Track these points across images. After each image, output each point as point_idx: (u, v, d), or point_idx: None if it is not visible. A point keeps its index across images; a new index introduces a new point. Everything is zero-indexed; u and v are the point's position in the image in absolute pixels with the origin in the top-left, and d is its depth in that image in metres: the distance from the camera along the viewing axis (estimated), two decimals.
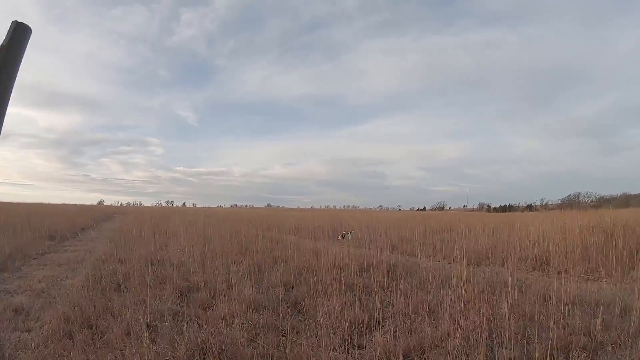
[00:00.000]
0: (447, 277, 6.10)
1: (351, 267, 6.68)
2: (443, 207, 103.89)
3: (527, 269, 7.57)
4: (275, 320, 4.22)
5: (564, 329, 3.75)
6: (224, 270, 6.33)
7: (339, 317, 4.18)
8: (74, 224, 17.17)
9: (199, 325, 3.96)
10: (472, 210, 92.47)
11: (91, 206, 55.54)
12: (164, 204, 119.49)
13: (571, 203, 64.39)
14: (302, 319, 4.37)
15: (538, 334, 3.63)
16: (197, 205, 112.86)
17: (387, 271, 6.46)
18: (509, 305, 4.16)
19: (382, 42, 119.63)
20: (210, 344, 3.27)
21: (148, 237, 10.81)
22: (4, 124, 1.09)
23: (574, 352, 3.35)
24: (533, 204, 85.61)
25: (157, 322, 4.05)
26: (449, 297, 4.66)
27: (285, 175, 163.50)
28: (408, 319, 4.18)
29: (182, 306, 4.72)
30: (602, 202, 56.99)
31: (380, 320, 4.08)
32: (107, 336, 3.67)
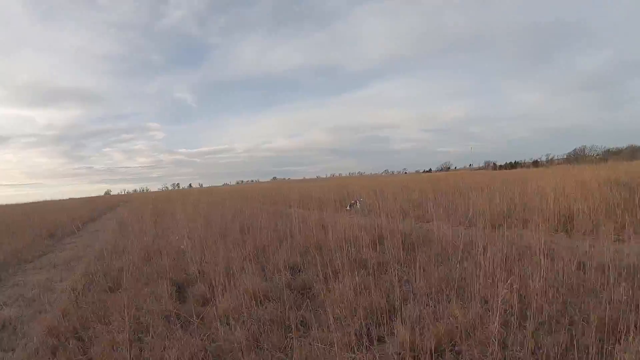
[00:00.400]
0: (468, 244, 5.60)
1: (362, 239, 6.18)
2: (449, 168, 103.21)
3: (549, 231, 7.03)
4: (282, 312, 3.75)
5: (609, 304, 3.21)
6: (225, 256, 5.87)
7: (353, 304, 3.68)
8: (76, 219, 16.95)
9: (194, 329, 3.49)
10: (478, 169, 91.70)
11: (97, 197, 55.54)
12: (170, 188, 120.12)
13: (577, 157, 63.30)
14: (312, 309, 3.89)
15: (581, 312, 3.13)
16: (203, 186, 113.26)
17: (402, 242, 5.97)
18: (543, 278, 3.65)
19: (376, 5, 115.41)
20: (207, 352, 2.79)
21: (148, 225, 10.39)
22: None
23: (628, 333, 2.81)
24: (539, 160, 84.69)
25: (147, 328, 3.59)
26: (476, 269, 4.15)
27: (289, 147, 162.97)
28: (431, 300, 3.69)
29: (178, 304, 4.26)
30: (608, 155, 55.97)
31: (401, 304, 3.60)
32: (92, 351, 3.22)
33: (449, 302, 3.55)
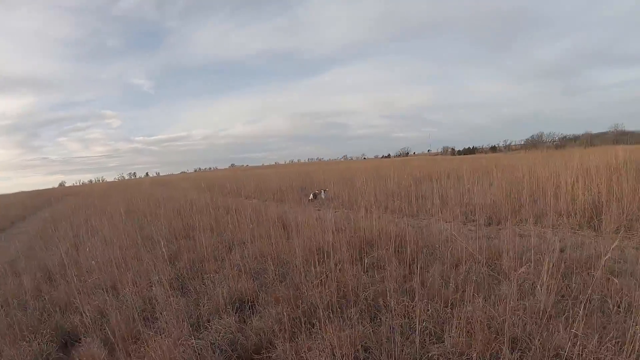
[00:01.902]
0: (492, 254, 4.00)
1: (340, 249, 4.41)
2: (407, 153, 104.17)
3: (572, 227, 5.58)
4: None
5: None
6: (137, 281, 3.92)
7: None
8: (5, 217, 14.42)
9: None
10: (437, 154, 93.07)
11: (44, 191, 50.18)
12: (126, 177, 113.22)
13: (535, 143, 65.29)
14: None
15: None
16: (160, 174, 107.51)
17: (395, 251, 4.28)
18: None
19: None
20: None
21: (66, 231, 8.09)
22: None
23: None
24: (497, 146, 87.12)
25: None
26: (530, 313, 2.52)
27: (248, 134, 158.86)
28: None
29: None
30: (565, 142, 57.89)
31: None
32: None
33: None
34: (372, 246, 4.69)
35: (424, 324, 2.61)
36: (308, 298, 3.05)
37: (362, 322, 2.66)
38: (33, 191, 51.94)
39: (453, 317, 2.58)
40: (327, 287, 3.07)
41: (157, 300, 3.46)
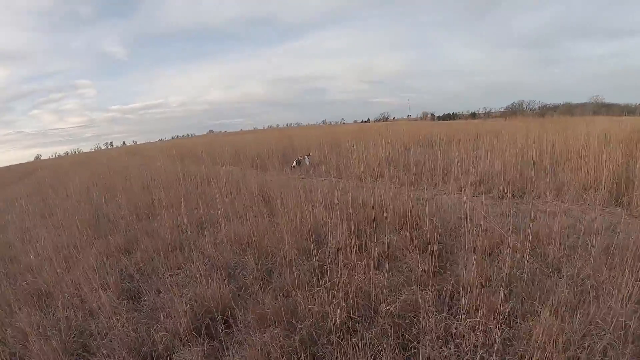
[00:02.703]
0: (532, 237, 3.18)
1: (338, 232, 3.53)
2: (387, 118, 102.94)
3: (600, 204, 4.83)
4: None
5: None
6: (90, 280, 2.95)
7: None
8: None
9: None
10: (416, 119, 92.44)
11: (16, 166, 47.14)
12: (103, 147, 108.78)
13: (514, 111, 65.16)
14: None
15: None
16: (137, 143, 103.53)
17: (410, 234, 3.44)
18: None
19: None
20: None
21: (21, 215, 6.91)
22: None
23: None
24: (476, 112, 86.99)
25: None
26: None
27: (225, 100, 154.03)
28: None
29: None
30: (545, 111, 57.94)
31: None
32: None
33: None
34: (377, 226, 3.82)
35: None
36: (306, 314, 2.16)
37: (391, 356, 1.80)
38: (3, 167, 49.37)
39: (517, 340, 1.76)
40: (331, 295, 2.19)
41: (98, 319, 2.51)
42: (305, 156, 9.02)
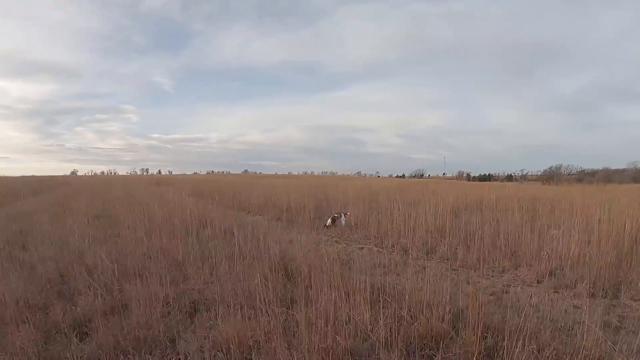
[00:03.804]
0: None
1: (386, 346, 2.32)
2: (422, 175, 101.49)
3: None
4: None
5: None
6: None
7: None
8: None
9: None
10: (452, 178, 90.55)
11: (48, 177, 49.24)
12: (138, 172, 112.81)
13: (552, 175, 62.52)
14: None
15: None
16: (172, 173, 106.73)
17: None
18: None
19: (361, 8, 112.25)
20: None
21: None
22: None
23: None
24: (513, 175, 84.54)
25: None
26: None
27: (263, 142, 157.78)
28: None
29: None
30: (583, 176, 55.35)
31: None
32: None
33: None
34: (448, 351, 2.58)
35: None
36: None
37: None
38: (37, 176, 51.65)
39: None
40: None
41: None
42: (342, 214, 7.90)
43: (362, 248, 5.92)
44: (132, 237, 6.12)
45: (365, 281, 3.45)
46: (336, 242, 6.51)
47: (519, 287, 4.42)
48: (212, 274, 4.14)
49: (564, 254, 5.13)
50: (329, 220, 7.79)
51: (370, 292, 3.36)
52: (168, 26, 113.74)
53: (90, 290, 3.58)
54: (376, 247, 5.98)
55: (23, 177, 52.03)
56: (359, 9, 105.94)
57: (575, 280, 4.57)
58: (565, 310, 3.63)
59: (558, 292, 4.32)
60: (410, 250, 5.60)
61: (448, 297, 3.13)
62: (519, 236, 5.92)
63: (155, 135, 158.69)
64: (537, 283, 4.58)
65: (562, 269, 4.87)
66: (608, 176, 49.81)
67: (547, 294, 4.20)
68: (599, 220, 6.61)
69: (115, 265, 4.32)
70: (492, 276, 4.76)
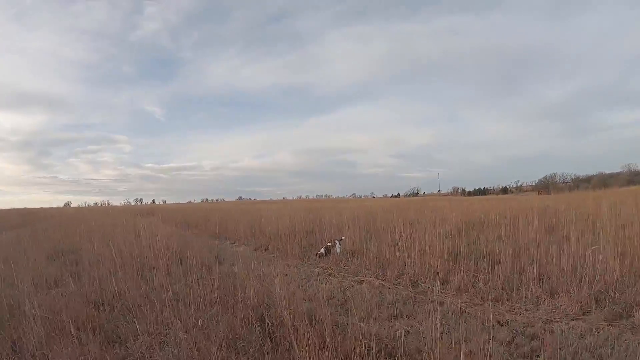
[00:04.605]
0: None
1: None
2: (417, 193, 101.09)
3: None
4: None
5: None
6: None
7: None
8: None
9: None
10: (447, 194, 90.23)
11: (36, 210, 47.98)
12: (132, 203, 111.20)
13: (547, 184, 62.27)
14: None
15: None
16: (166, 202, 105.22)
17: None
18: None
19: (348, 30, 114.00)
20: None
21: None
22: None
23: None
24: (507, 187, 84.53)
25: None
26: None
27: (256, 167, 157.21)
28: None
29: None
30: (578, 183, 55.12)
31: None
32: None
33: None
34: None
35: None
36: None
37: None
38: (27, 209, 50.68)
39: None
40: None
41: None
42: (336, 241, 6.92)
43: (361, 282, 4.94)
44: (88, 278, 5.14)
45: (368, 333, 2.51)
46: (330, 275, 5.53)
47: (563, 323, 3.48)
48: (166, 329, 3.15)
49: (605, 273, 4.23)
50: (322, 249, 6.82)
51: (376, 351, 2.41)
52: (157, 55, 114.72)
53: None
54: (377, 279, 5.00)
55: (12, 209, 50.75)
56: (345, 31, 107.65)
57: (628, 306, 3.67)
58: (633, 351, 2.72)
59: (613, 325, 3.39)
60: (419, 282, 4.66)
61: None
62: (544, 254, 4.99)
63: (149, 165, 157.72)
64: (584, 315, 3.65)
65: (608, 292, 3.96)
66: (603, 181, 49.57)
67: (601, 330, 3.28)
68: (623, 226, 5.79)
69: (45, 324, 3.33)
70: (525, 309, 3.81)
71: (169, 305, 3.66)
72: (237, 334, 2.95)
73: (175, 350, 2.75)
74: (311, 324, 3.02)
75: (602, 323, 3.44)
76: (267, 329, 3.15)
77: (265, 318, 3.26)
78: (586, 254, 4.54)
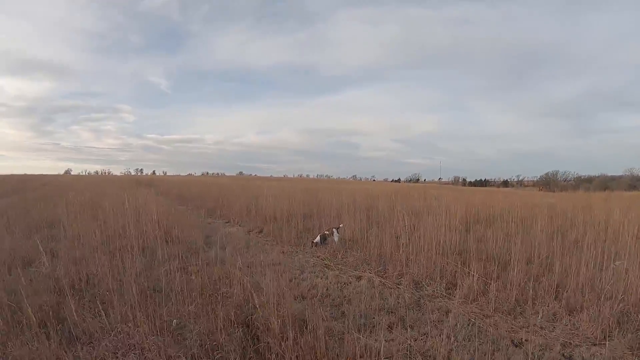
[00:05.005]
0: None
1: None
2: (418, 179, 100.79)
3: None
4: None
5: None
6: None
7: None
8: None
9: None
10: (447, 183, 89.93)
11: (36, 176, 47.51)
12: (133, 172, 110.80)
13: (549, 181, 61.82)
14: None
15: None
16: (167, 174, 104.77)
17: None
18: None
19: (359, 11, 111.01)
20: None
21: None
22: None
23: None
24: (508, 180, 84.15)
25: None
26: None
27: (259, 144, 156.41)
28: None
29: None
30: (580, 182, 54.75)
31: None
32: None
33: None
34: None
35: None
36: None
37: None
38: (26, 175, 50.47)
39: None
40: None
41: None
42: (334, 229, 6.50)
43: (360, 278, 4.55)
44: (66, 257, 4.75)
45: (366, 348, 2.10)
46: (326, 266, 5.13)
47: (583, 348, 3.08)
48: (136, 328, 2.75)
49: (627, 290, 3.83)
50: (318, 238, 6.42)
51: None
52: (166, 26, 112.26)
53: None
54: (378, 276, 4.60)
55: (11, 175, 50.46)
56: (355, 13, 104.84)
57: None
58: None
59: (638, 357, 3.00)
60: (423, 284, 4.27)
61: None
62: (559, 260, 4.58)
63: (151, 136, 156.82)
64: (605, 339, 3.25)
65: (630, 314, 3.56)
66: (605, 183, 49.28)
67: None
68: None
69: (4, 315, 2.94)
70: (542, 327, 3.41)
71: (139, 300, 3.25)
72: (215, 341, 2.56)
73: (142, 358, 2.35)
74: (302, 332, 2.64)
75: (626, 352, 3.05)
76: (251, 334, 2.76)
77: (250, 322, 2.86)
78: (610, 267, 4.11)
